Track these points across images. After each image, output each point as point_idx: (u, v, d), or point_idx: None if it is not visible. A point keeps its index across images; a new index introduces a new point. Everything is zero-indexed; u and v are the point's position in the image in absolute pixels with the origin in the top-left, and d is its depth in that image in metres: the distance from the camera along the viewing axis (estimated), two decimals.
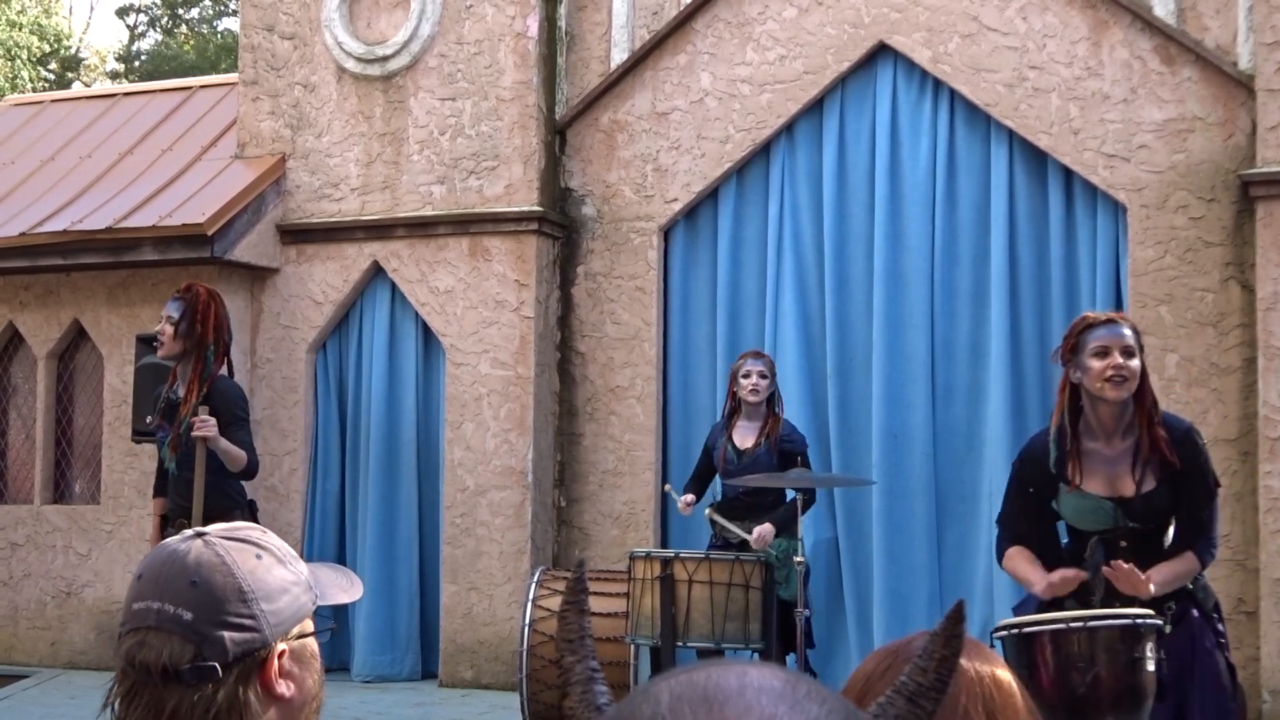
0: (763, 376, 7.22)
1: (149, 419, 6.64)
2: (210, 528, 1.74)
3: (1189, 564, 4.33)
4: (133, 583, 1.70)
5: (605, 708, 1.00)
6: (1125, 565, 4.17)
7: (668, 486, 8.22)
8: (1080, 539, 4.45)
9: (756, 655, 6.56)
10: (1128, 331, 4.39)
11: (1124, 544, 4.37)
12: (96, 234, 9.73)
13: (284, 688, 1.68)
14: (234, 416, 6.40)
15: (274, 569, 1.70)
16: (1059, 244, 8.54)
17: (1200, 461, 4.38)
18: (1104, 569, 4.22)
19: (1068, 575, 4.29)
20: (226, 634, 1.64)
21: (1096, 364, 4.33)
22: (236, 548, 1.69)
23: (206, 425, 6.18)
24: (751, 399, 7.21)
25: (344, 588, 1.86)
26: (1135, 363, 4.34)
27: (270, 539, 1.75)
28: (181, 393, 6.41)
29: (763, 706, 0.87)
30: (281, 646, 1.68)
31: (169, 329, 6.41)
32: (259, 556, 1.70)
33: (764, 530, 6.94)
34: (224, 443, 6.24)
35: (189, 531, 1.73)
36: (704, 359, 9.27)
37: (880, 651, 1.44)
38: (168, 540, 1.74)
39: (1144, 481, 4.34)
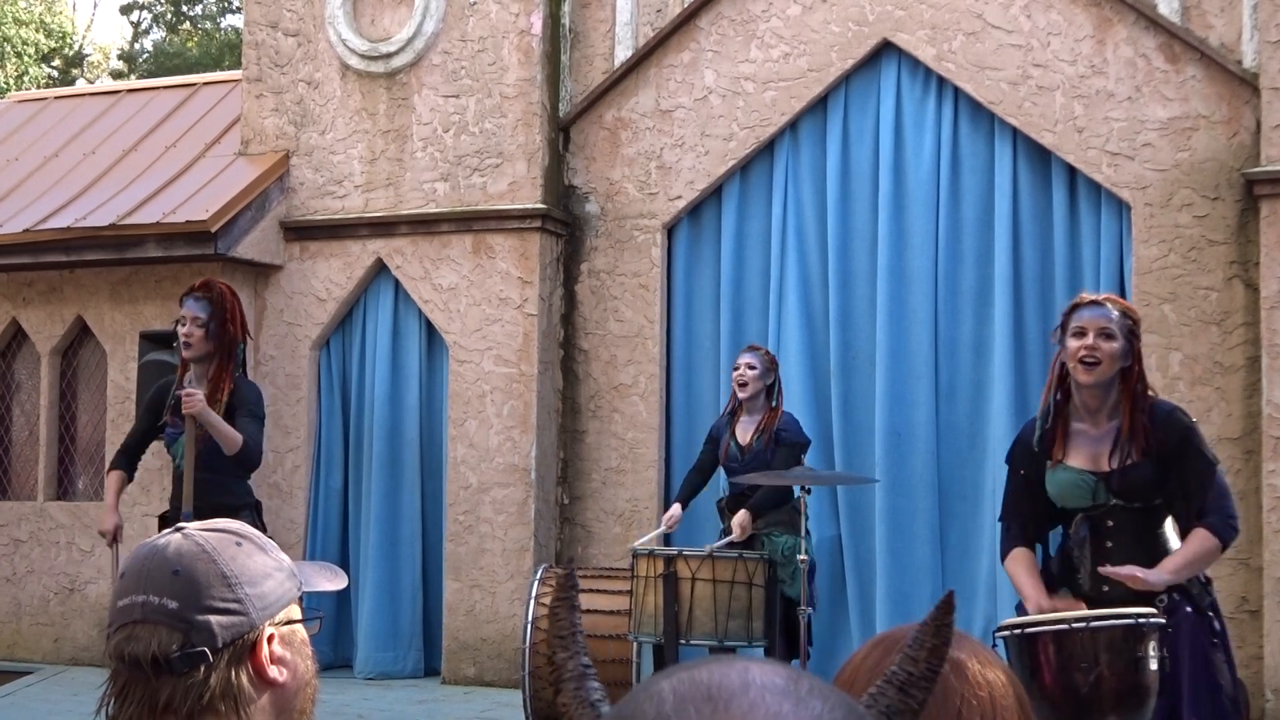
0: (750, 368, 7.21)
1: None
2: (189, 525, 1.75)
3: (1204, 542, 4.23)
4: (116, 582, 1.72)
5: (599, 704, 1.00)
6: (1114, 569, 4.14)
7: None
8: (1069, 523, 4.42)
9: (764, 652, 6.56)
10: (1114, 314, 4.33)
11: (1110, 524, 4.33)
12: (100, 231, 9.73)
13: (276, 672, 1.69)
14: (249, 410, 6.38)
15: (255, 555, 1.72)
16: (1063, 242, 8.53)
17: (1189, 438, 4.32)
18: (1100, 570, 4.20)
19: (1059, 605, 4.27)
20: (213, 618, 1.64)
21: (1073, 344, 4.32)
22: (216, 537, 1.71)
23: (194, 400, 6.12)
24: (740, 393, 7.21)
25: (328, 577, 1.89)
26: (1112, 345, 4.28)
27: (250, 530, 1.77)
28: (203, 391, 6.38)
29: (767, 704, 0.86)
30: (270, 630, 1.69)
31: (198, 330, 6.33)
32: (239, 544, 1.71)
33: (741, 519, 6.93)
34: (213, 416, 6.16)
35: (168, 530, 1.75)
36: (707, 356, 9.26)
37: (870, 642, 1.43)
38: (148, 539, 1.75)
39: (1125, 457, 4.29)
